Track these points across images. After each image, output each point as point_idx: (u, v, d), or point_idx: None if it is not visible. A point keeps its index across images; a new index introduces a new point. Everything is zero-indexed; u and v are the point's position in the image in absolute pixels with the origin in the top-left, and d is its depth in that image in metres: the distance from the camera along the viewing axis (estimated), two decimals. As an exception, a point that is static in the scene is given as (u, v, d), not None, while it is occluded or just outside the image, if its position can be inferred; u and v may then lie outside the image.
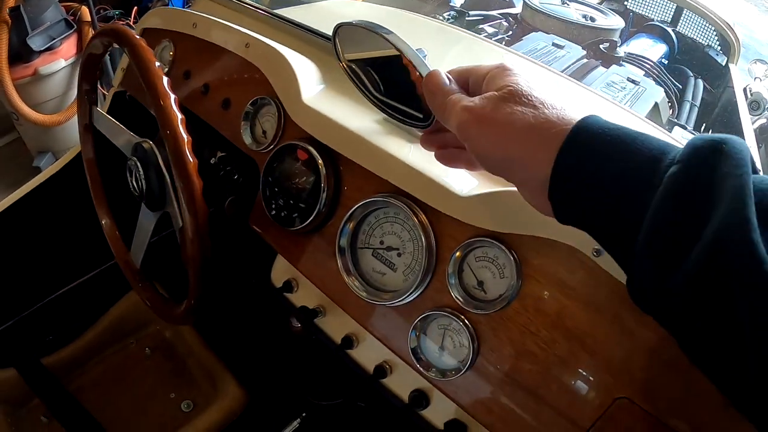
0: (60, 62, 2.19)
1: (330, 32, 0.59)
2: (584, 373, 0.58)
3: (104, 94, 1.45)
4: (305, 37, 0.88)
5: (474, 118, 0.46)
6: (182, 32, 0.94)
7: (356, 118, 0.73)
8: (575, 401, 0.58)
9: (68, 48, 2.23)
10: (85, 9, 2.21)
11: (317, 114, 0.73)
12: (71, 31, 2.22)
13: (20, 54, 2.14)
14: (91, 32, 2.21)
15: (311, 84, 0.77)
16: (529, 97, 0.45)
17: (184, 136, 0.75)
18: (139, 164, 0.88)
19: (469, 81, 0.51)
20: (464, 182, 0.65)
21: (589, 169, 0.41)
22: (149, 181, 0.88)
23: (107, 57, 2.18)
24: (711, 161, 0.36)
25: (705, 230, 0.34)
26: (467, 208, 0.62)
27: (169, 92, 0.77)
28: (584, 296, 0.58)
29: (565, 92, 0.94)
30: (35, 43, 2.11)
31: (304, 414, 1.02)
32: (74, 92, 2.30)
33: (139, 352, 1.19)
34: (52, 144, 2.38)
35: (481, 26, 1.50)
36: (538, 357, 0.60)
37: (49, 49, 2.16)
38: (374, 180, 0.68)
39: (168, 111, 0.76)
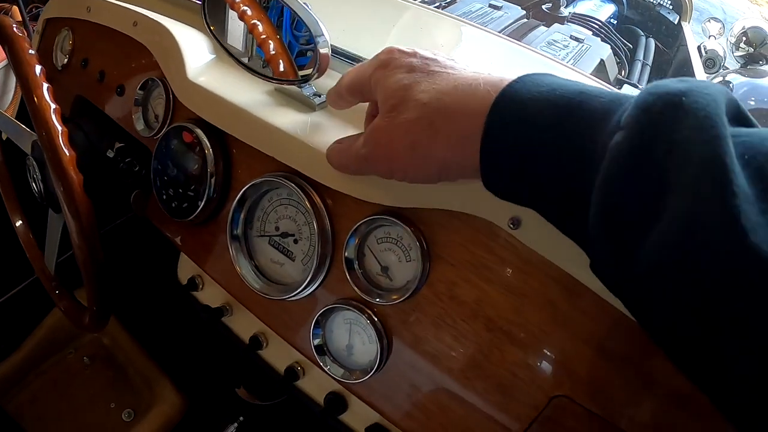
0: (-6, 64, 1.96)
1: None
2: (512, 370, 0.44)
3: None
4: (196, 8, 0.72)
5: (383, 157, 0.39)
6: (79, 18, 0.78)
7: (245, 91, 0.57)
8: (505, 402, 0.45)
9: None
10: (15, 9, 1.97)
11: (202, 90, 0.58)
12: (6, 32, 1.98)
13: (-54, 58, 1.90)
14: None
15: (198, 57, 0.62)
16: (423, 96, 0.35)
17: (58, 127, 0.60)
18: (35, 163, 0.73)
19: (362, 91, 0.42)
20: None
21: (521, 147, 0.31)
22: (46, 181, 0.73)
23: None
24: (666, 124, 0.25)
25: (664, 213, 0.25)
26: (361, 184, 0.47)
27: (42, 81, 0.62)
28: (506, 279, 0.44)
29: (500, 54, 0.79)
30: (-37, 46, 1.88)
31: (241, 418, 0.87)
32: (9, 96, 2.07)
33: (77, 362, 1.03)
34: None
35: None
36: (457, 353, 0.47)
37: (-23, 52, 1.93)
38: (264, 158, 0.54)
39: (39, 101, 0.61)
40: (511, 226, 0.42)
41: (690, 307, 0.24)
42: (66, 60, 0.80)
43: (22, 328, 1.03)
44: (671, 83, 0.27)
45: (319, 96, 0.55)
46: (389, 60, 0.38)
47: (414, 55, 0.38)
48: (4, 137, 0.86)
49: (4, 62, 1.95)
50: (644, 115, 0.26)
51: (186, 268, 0.70)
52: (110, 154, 0.72)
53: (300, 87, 0.54)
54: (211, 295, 0.67)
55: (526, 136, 0.31)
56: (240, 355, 0.64)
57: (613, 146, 0.27)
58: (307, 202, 0.49)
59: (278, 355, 0.62)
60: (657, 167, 0.25)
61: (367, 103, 0.45)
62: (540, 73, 0.33)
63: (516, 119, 0.31)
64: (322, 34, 0.43)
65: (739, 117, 0.26)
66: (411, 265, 0.48)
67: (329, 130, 0.52)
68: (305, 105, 0.55)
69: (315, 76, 0.47)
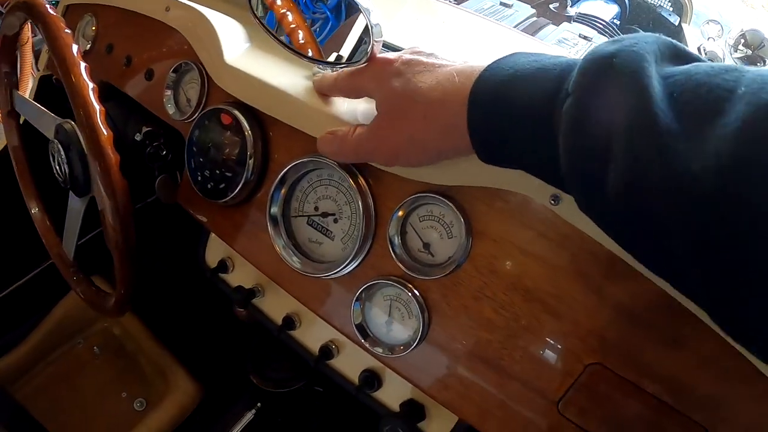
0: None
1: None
2: (549, 339, 0.47)
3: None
4: (230, -3, 0.75)
5: (386, 150, 0.46)
6: (103, 4, 0.80)
7: (283, 75, 0.60)
8: (542, 371, 0.48)
9: (1, 40, 1.96)
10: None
11: (240, 73, 0.60)
12: (4, 23, 1.96)
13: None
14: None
15: (235, 44, 0.65)
16: (414, 94, 0.42)
17: (96, 105, 0.62)
18: (60, 147, 0.75)
19: (357, 94, 0.51)
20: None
21: (500, 123, 0.38)
22: (72, 164, 0.74)
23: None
24: (601, 84, 0.32)
25: (613, 158, 0.30)
26: (407, 162, 0.50)
27: (79, 60, 0.64)
28: (543, 252, 0.47)
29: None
30: (-36, 35, 1.85)
31: (259, 405, 0.89)
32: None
33: (87, 351, 1.04)
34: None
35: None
36: (497, 324, 0.49)
37: (-21, 41, 1.91)
38: (304, 140, 0.56)
39: (77, 79, 0.63)
40: (552, 202, 0.45)
41: (648, 223, 0.30)
42: (89, 46, 0.82)
43: (30, 318, 1.04)
44: (605, 47, 0.33)
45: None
46: (381, 69, 0.46)
47: (399, 59, 0.45)
48: (21, 121, 0.88)
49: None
50: (584, 80, 0.33)
51: (215, 251, 0.72)
52: (138, 137, 0.74)
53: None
54: (240, 277, 0.69)
55: (500, 116, 0.38)
56: (274, 336, 0.66)
57: (565, 111, 0.33)
58: (351, 181, 0.52)
59: (311, 335, 0.64)
60: (601, 122, 0.31)
61: None
62: (505, 57, 0.40)
63: (489, 104, 0.38)
64: (378, 24, 0.46)
65: (677, 55, 0.32)
66: (452, 241, 0.51)
67: (369, 113, 0.54)
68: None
69: (363, 62, 0.50)
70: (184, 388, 0.94)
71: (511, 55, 0.40)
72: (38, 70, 0.98)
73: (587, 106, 0.32)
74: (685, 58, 0.32)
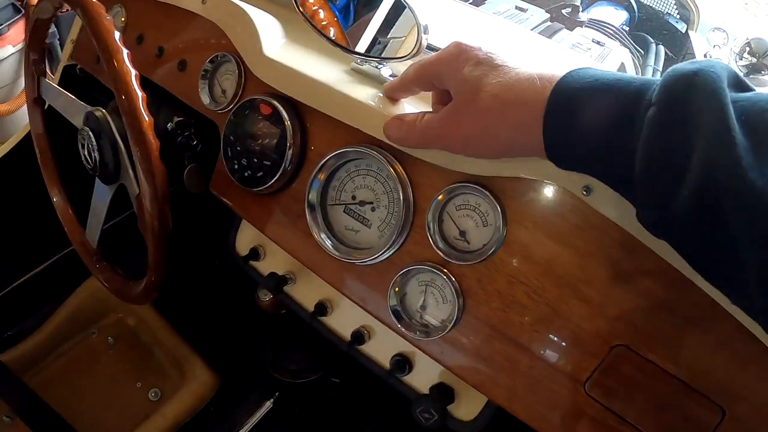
0: (8, 49, 1.94)
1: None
2: (578, 322, 0.51)
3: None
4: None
5: (458, 136, 0.47)
6: (134, -5, 0.83)
7: (321, 69, 0.64)
8: (570, 353, 0.51)
9: (16, 34, 1.96)
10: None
11: (280, 66, 0.64)
12: (19, 16, 1.96)
13: (-37, 41, 1.89)
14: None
15: (273, 38, 0.68)
16: (493, 88, 0.44)
17: (138, 92, 0.65)
18: (91, 134, 0.77)
19: (432, 81, 0.51)
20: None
21: (577, 127, 0.40)
22: (102, 151, 0.77)
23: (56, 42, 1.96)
24: (685, 98, 0.35)
25: (691, 166, 0.33)
26: (445, 153, 0.53)
27: (122, 47, 0.66)
28: (575, 240, 0.51)
29: (534, 50, 0.87)
30: (-20, 29, 1.88)
31: (277, 394, 0.92)
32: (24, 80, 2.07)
33: (101, 342, 1.07)
34: (2, 135, 2.06)
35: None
36: (528, 308, 0.53)
37: (-5, 35, 1.92)
38: (343, 131, 0.59)
39: (120, 66, 0.65)
40: (584, 192, 0.49)
41: (717, 232, 0.33)
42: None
43: (43, 307, 1.06)
44: (686, 66, 0.36)
45: (395, 76, 0.61)
46: (458, 54, 0.46)
47: (479, 49, 0.46)
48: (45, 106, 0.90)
49: (20, 46, 1.95)
50: (669, 93, 0.36)
51: (246, 239, 0.75)
52: (170, 126, 0.77)
53: (378, 67, 0.61)
54: (272, 265, 0.72)
55: (578, 119, 0.40)
56: (292, 326, 0.70)
57: (649, 119, 0.36)
58: (392, 171, 0.56)
59: (342, 321, 0.67)
60: (682, 133, 0.34)
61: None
62: (582, 68, 0.42)
63: (569, 107, 0.41)
64: (426, 24, 0.50)
65: (738, 83, 0.36)
66: (487, 229, 0.54)
67: (407, 106, 0.58)
68: (380, 83, 0.61)
69: (407, 58, 0.53)
70: (201, 378, 0.96)
71: (585, 67, 0.43)
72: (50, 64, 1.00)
73: (670, 116, 0.35)
74: (745, 87, 0.36)
